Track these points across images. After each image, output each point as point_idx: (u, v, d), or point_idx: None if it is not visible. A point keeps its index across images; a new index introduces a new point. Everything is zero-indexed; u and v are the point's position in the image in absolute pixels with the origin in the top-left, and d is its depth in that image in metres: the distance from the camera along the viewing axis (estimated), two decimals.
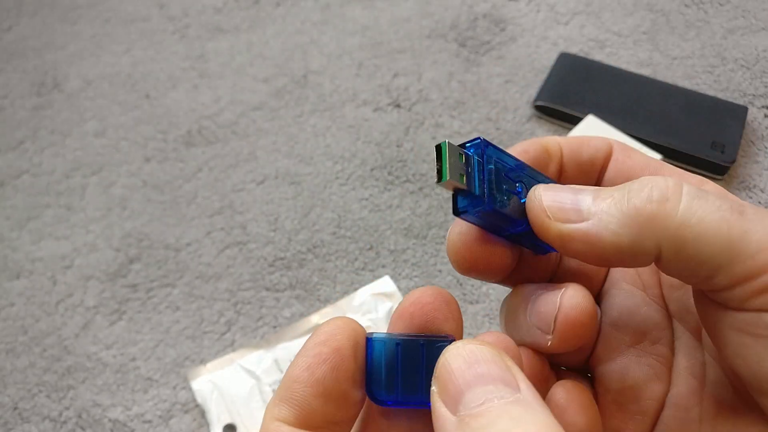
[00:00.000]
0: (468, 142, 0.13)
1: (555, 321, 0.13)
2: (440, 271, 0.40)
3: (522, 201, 0.14)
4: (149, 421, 0.35)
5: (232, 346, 0.38)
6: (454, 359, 0.11)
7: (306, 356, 0.12)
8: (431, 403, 0.11)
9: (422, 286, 0.41)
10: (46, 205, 0.45)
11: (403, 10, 0.54)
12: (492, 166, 0.13)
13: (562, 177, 0.16)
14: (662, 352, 0.15)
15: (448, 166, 0.12)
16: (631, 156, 0.15)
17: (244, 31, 0.54)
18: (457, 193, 0.13)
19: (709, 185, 0.14)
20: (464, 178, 0.13)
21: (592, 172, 0.16)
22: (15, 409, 0.37)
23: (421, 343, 0.12)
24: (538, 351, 0.14)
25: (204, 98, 0.50)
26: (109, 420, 0.36)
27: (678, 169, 0.15)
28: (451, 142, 0.13)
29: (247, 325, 0.39)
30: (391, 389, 0.12)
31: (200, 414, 0.35)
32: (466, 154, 0.13)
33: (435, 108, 0.48)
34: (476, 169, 0.13)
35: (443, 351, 0.11)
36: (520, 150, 0.15)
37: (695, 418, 0.14)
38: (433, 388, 0.11)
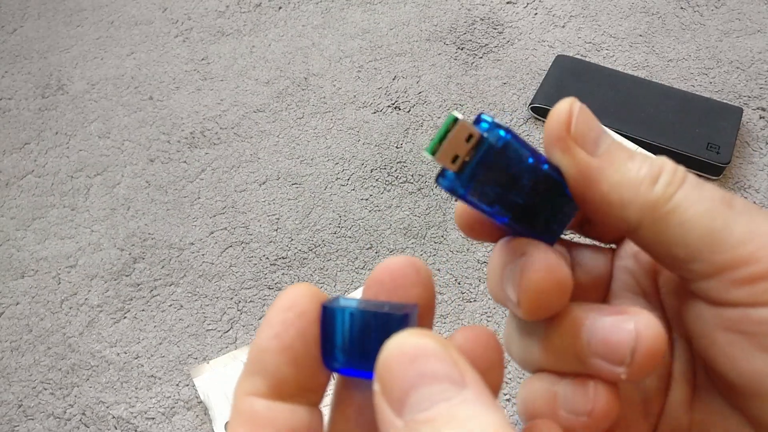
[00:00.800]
0: (487, 122, 0.12)
1: (633, 353, 0.12)
2: (439, 270, 0.40)
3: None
4: (152, 418, 0.36)
5: (234, 344, 0.38)
6: (395, 356, 0.10)
7: (272, 325, 0.11)
8: (375, 403, 0.10)
9: None
10: (51, 205, 0.45)
11: (402, 14, 0.55)
12: (499, 166, 0.12)
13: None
14: (664, 359, 0.14)
15: (446, 143, 0.12)
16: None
17: (246, 34, 0.55)
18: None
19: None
20: (456, 161, 0.12)
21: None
22: (20, 406, 0.37)
23: (372, 313, 0.11)
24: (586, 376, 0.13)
25: (207, 100, 0.50)
26: (113, 417, 0.36)
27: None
28: (464, 120, 0.11)
29: (249, 323, 0.39)
30: (341, 358, 0.11)
31: (203, 411, 0.36)
32: (479, 138, 0.12)
33: (434, 110, 0.48)
34: (478, 156, 0.12)
35: (384, 346, 0.10)
36: None
37: (685, 426, 0.14)
38: (376, 386, 0.10)
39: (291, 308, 0.11)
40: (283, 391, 0.11)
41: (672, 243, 0.12)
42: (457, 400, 0.09)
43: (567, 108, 0.13)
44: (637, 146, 0.43)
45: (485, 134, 0.12)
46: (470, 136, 0.12)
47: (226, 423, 0.35)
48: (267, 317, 0.11)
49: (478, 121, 0.12)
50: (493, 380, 0.12)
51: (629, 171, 0.12)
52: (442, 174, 0.13)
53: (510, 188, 0.12)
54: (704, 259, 0.12)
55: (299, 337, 0.11)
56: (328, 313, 0.11)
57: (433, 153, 0.12)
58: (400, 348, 0.10)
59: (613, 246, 0.16)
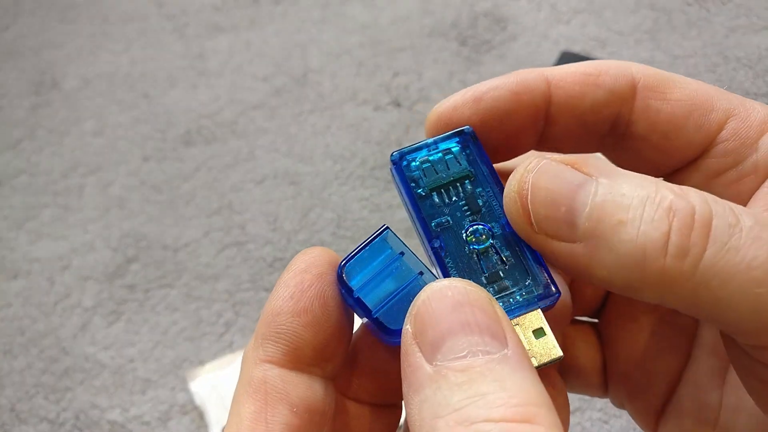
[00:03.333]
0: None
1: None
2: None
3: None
4: (147, 423, 0.35)
5: (230, 347, 0.38)
6: (437, 298, 0.09)
7: (288, 286, 0.10)
8: (402, 345, 0.09)
9: None
10: (44, 205, 0.45)
11: (403, 9, 0.54)
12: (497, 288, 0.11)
13: (548, 134, 0.12)
14: (683, 322, 0.13)
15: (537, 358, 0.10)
16: (667, 95, 0.11)
17: (243, 29, 0.54)
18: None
19: None
20: (542, 332, 0.10)
21: (598, 126, 0.11)
22: (12, 410, 0.36)
23: (420, 271, 0.11)
24: None
25: (203, 97, 0.50)
26: (107, 422, 0.35)
27: (736, 99, 0.11)
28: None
29: (246, 326, 0.38)
30: (362, 285, 0.10)
31: (199, 416, 0.35)
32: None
33: None
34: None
35: (425, 286, 0.09)
36: (471, 97, 0.12)
37: (714, 403, 0.12)
38: (407, 326, 0.09)
39: (308, 269, 0.10)
40: (300, 358, 0.10)
41: (707, 318, 0.09)
42: (497, 356, 0.09)
43: (518, 189, 0.10)
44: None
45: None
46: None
47: (224, 428, 0.34)
48: (282, 279, 0.10)
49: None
50: None
51: (624, 245, 0.09)
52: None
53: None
54: (749, 337, 0.09)
55: (318, 299, 0.10)
56: (384, 238, 0.11)
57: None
58: (445, 290, 0.09)
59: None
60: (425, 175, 0.11)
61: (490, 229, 0.11)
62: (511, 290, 0.11)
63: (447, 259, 0.11)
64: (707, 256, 0.09)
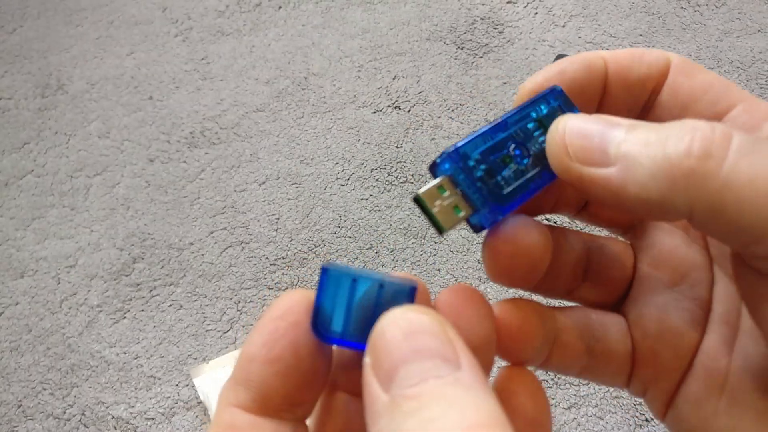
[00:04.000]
0: (439, 158, 0.12)
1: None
2: (439, 270, 0.40)
3: (524, 163, 0.12)
4: (152, 419, 0.36)
5: (234, 344, 0.38)
6: (390, 328, 0.10)
7: (261, 333, 0.10)
8: (363, 377, 0.10)
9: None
10: (51, 205, 0.45)
11: (402, 14, 0.55)
12: (480, 172, 0.12)
13: (604, 102, 0.13)
14: (701, 296, 0.13)
15: (438, 215, 0.11)
16: (692, 76, 0.13)
17: (245, 33, 0.55)
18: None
19: None
20: (460, 209, 0.12)
21: (642, 95, 0.13)
22: (19, 406, 0.37)
23: (380, 283, 0.11)
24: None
25: (206, 100, 0.50)
26: (113, 417, 0.36)
27: (748, 94, 0.12)
28: (422, 192, 0.11)
29: (249, 323, 0.39)
30: (338, 326, 0.11)
31: (203, 411, 0.36)
32: (448, 178, 0.12)
33: (434, 110, 0.48)
34: (465, 184, 0.12)
35: (380, 318, 0.10)
36: (556, 71, 0.13)
37: (722, 369, 0.13)
38: (366, 359, 0.10)
39: (283, 317, 0.11)
40: (269, 405, 0.10)
41: (730, 225, 0.10)
42: (449, 379, 0.09)
43: (555, 131, 0.12)
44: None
45: (440, 162, 0.12)
46: (440, 188, 0.12)
47: None
48: (258, 325, 0.11)
49: (434, 166, 0.12)
50: (485, 357, 0.12)
51: (653, 158, 0.10)
52: (471, 225, 0.12)
53: (510, 160, 0.12)
54: None
55: (290, 348, 0.10)
56: (330, 277, 0.11)
57: (445, 229, 0.12)
58: (396, 321, 0.10)
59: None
60: (550, 117, 0.13)
61: (527, 157, 0.13)
62: (483, 184, 0.12)
63: (493, 139, 0.12)
64: (730, 158, 0.10)
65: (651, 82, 0.13)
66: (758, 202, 0.09)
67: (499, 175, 0.12)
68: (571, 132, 0.11)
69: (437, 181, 0.12)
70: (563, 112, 0.13)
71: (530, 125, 0.13)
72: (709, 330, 0.13)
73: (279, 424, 0.10)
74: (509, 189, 0.12)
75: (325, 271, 0.11)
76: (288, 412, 0.11)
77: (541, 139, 0.13)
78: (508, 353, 0.13)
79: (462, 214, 0.12)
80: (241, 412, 0.10)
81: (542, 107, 0.13)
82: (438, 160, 0.12)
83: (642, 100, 0.13)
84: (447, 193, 0.12)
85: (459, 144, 0.12)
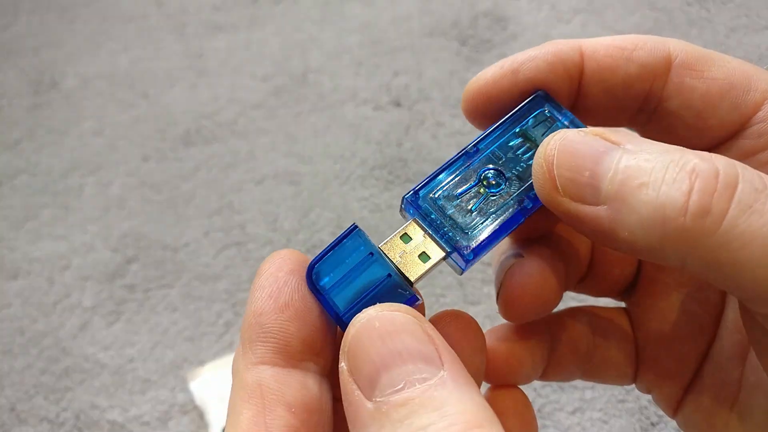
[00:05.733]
0: (402, 204, 0.12)
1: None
2: (440, 272, 0.40)
3: (500, 192, 0.11)
4: (147, 423, 0.35)
5: (230, 347, 0.38)
6: (366, 331, 0.09)
7: (263, 287, 0.10)
8: (341, 383, 0.09)
9: (423, 287, 0.40)
10: (44, 205, 0.45)
11: (403, 8, 0.54)
12: (446, 211, 0.11)
13: (578, 108, 0.12)
14: (711, 300, 0.13)
15: (402, 267, 0.11)
16: (705, 71, 0.11)
17: (242, 29, 0.54)
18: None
19: None
20: (428, 256, 0.11)
21: (630, 102, 0.11)
22: (12, 410, 0.36)
23: (389, 273, 0.11)
24: None
25: (202, 97, 0.50)
26: (107, 422, 0.35)
27: None
28: (382, 246, 0.11)
29: None
30: (329, 282, 0.11)
31: (199, 416, 0.35)
32: (415, 222, 0.11)
33: (436, 107, 0.47)
34: (431, 228, 0.11)
35: (352, 320, 0.09)
36: (509, 68, 0.12)
37: (734, 381, 0.12)
38: (342, 364, 0.09)
39: (279, 269, 0.11)
40: (291, 353, 0.10)
41: (725, 282, 0.09)
42: (434, 381, 0.09)
43: (543, 159, 0.10)
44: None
45: (408, 211, 0.12)
46: (404, 236, 0.11)
47: (224, 428, 0.34)
48: (256, 283, 0.10)
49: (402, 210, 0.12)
50: (474, 366, 0.11)
51: (646, 206, 0.09)
52: (456, 265, 0.12)
53: (479, 193, 0.12)
54: (766, 304, 0.09)
55: (296, 292, 0.10)
56: (355, 236, 0.11)
57: (411, 282, 0.11)
58: (371, 322, 0.09)
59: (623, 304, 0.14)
60: (535, 126, 0.12)
61: (501, 182, 0.12)
62: (449, 226, 0.11)
63: (463, 168, 0.12)
64: (729, 216, 0.09)
65: (642, 86, 0.11)
66: (753, 264, 0.09)
67: (470, 211, 0.11)
68: (561, 162, 0.10)
69: (401, 229, 0.11)
70: (553, 121, 0.12)
71: (512, 142, 0.12)
72: (719, 336, 0.13)
73: (305, 376, 0.10)
74: (483, 225, 0.11)
75: (354, 229, 0.11)
76: (310, 362, 0.10)
77: (526, 156, 0.12)
78: (496, 380, 0.13)
79: (430, 261, 0.11)
80: (266, 368, 0.10)
81: (527, 120, 0.12)
82: (402, 206, 0.12)
83: (630, 107, 0.12)
84: (414, 240, 0.11)
85: (418, 185, 0.11)
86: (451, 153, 0.12)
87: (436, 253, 0.11)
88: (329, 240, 0.42)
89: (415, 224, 0.11)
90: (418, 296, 0.11)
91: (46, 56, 0.53)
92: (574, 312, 0.14)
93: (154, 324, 0.39)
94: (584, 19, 0.52)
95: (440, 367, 0.09)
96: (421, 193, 0.11)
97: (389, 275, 0.11)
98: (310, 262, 0.11)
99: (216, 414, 0.34)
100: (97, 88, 0.51)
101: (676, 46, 0.11)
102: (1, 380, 0.37)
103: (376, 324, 0.09)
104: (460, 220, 0.11)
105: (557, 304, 0.13)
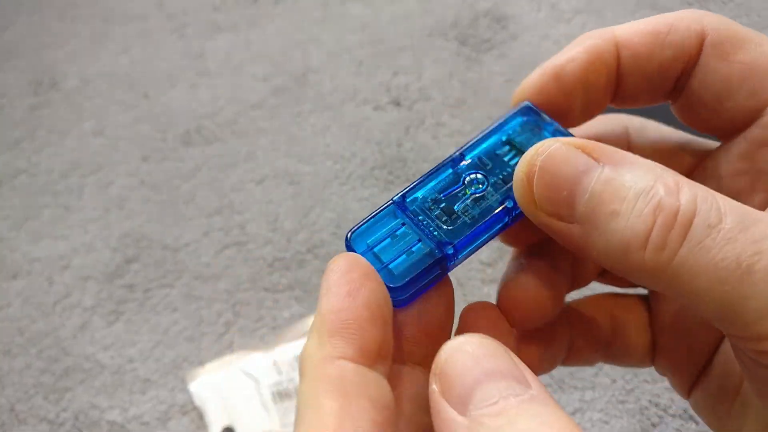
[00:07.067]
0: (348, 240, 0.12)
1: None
2: None
3: (477, 192, 0.12)
4: (147, 423, 0.35)
5: (230, 348, 0.37)
6: (458, 355, 0.10)
7: (340, 285, 0.10)
8: (431, 405, 0.10)
9: None
10: (44, 205, 0.45)
11: (403, 8, 0.54)
12: (429, 214, 0.12)
13: (617, 95, 0.12)
14: None
15: (392, 288, 0.11)
16: (729, 57, 0.11)
17: (243, 29, 0.54)
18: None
19: None
20: (412, 263, 0.12)
21: (665, 83, 0.12)
22: (12, 410, 0.36)
23: (419, 238, 0.12)
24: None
25: (203, 97, 0.50)
26: (107, 422, 0.35)
27: None
28: (366, 264, 0.11)
29: (246, 326, 0.38)
30: (368, 246, 0.12)
31: (198, 416, 0.35)
32: (390, 236, 0.12)
33: (436, 107, 0.47)
34: (417, 228, 0.12)
35: (443, 346, 0.10)
36: (551, 73, 0.12)
37: (738, 373, 0.13)
38: (433, 386, 0.10)
39: (352, 269, 0.11)
40: (368, 353, 0.10)
41: (687, 306, 0.11)
42: (526, 396, 0.09)
43: (524, 173, 0.11)
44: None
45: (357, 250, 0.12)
46: (375, 258, 0.12)
47: (223, 428, 0.34)
48: (332, 280, 0.11)
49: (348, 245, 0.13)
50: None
51: (613, 234, 0.10)
52: (437, 276, 0.13)
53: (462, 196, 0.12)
54: (722, 327, 0.10)
55: (372, 293, 0.11)
56: (387, 209, 0.12)
57: (405, 298, 0.12)
58: (464, 345, 0.10)
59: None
60: (521, 134, 0.13)
61: (485, 184, 0.12)
62: (434, 226, 0.12)
63: (447, 169, 0.13)
64: (681, 252, 0.10)
65: (676, 68, 0.12)
66: (702, 294, 0.10)
67: (455, 212, 0.12)
68: (540, 179, 0.11)
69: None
70: (540, 129, 0.12)
71: (499, 150, 0.12)
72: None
73: (378, 377, 0.10)
74: (466, 225, 0.12)
75: (390, 203, 0.12)
76: (381, 364, 0.10)
77: (513, 162, 0.12)
78: (519, 321, 0.13)
79: (417, 270, 0.12)
80: (346, 362, 0.10)
81: (513, 129, 0.13)
82: (346, 243, 0.13)
83: (665, 88, 0.12)
84: (391, 261, 0.12)
85: (406, 189, 0.12)
86: (451, 153, 0.13)
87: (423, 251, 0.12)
88: (329, 240, 0.42)
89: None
90: (445, 260, 0.12)
91: (47, 56, 0.53)
92: (593, 300, 0.15)
93: (154, 324, 0.39)
94: (584, 19, 0.52)
95: (528, 387, 0.09)
96: (408, 197, 0.12)
97: (419, 240, 0.12)
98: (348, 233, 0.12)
99: (215, 414, 0.34)
100: (97, 89, 0.51)
101: (711, 22, 0.11)
102: (1, 380, 0.37)
103: (468, 348, 0.10)
104: (444, 220, 0.12)
105: (557, 311, 0.13)
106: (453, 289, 0.12)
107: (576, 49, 0.12)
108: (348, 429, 0.09)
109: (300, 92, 0.49)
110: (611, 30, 0.12)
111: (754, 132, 0.11)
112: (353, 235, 0.12)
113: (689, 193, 0.10)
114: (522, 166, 0.11)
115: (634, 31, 0.12)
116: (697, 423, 0.32)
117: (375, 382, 0.10)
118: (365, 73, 0.50)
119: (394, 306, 0.11)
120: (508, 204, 0.12)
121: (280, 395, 0.35)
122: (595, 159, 0.10)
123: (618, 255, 0.10)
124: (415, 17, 0.53)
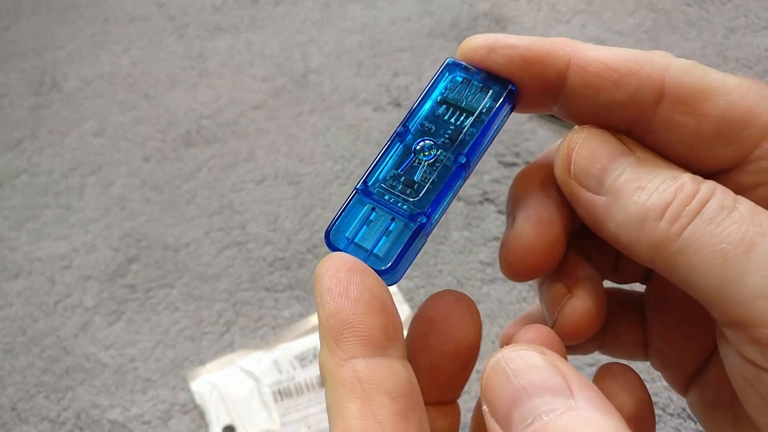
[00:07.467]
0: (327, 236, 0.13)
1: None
2: (440, 271, 0.40)
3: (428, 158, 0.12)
4: (148, 422, 0.35)
5: (231, 347, 0.38)
6: (495, 373, 0.10)
7: (330, 289, 0.11)
8: (486, 423, 0.10)
9: (423, 287, 0.40)
10: (45, 205, 0.45)
11: (403, 9, 0.54)
12: (392, 191, 0.12)
13: (562, 107, 0.12)
14: None
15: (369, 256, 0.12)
16: (699, 107, 0.11)
17: (243, 30, 0.54)
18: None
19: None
20: (394, 242, 0.12)
21: (615, 122, 0.12)
22: (14, 410, 0.36)
23: (390, 218, 0.12)
24: None
25: (203, 98, 0.50)
26: (108, 421, 0.35)
27: None
28: (340, 252, 0.12)
29: (246, 325, 0.38)
30: (348, 240, 0.12)
31: (199, 415, 0.35)
32: (364, 221, 0.12)
33: None
34: (386, 207, 0.12)
35: (486, 362, 0.10)
36: (485, 47, 0.12)
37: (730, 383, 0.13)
38: (484, 407, 0.10)
39: (338, 269, 0.11)
40: (374, 342, 0.10)
41: (685, 286, 0.11)
42: (561, 410, 0.09)
43: (566, 145, 0.12)
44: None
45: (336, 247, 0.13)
46: (360, 249, 0.13)
47: (224, 427, 0.34)
48: (323, 287, 0.11)
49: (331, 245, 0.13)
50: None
51: (634, 205, 0.11)
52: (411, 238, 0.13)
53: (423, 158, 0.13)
54: (717, 309, 0.10)
55: (363, 286, 0.11)
56: (354, 199, 0.12)
57: (396, 278, 0.12)
58: (500, 363, 0.10)
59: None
60: (453, 90, 0.13)
61: (435, 148, 0.13)
62: (402, 200, 0.13)
63: (396, 144, 0.13)
64: (692, 225, 0.10)
65: (627, 113, 0.12)
66: (703, 267, 0.10)
67: (415, 182, 0.12)
68: (580, 152, 0.12)
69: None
70: (468, 82, 0.13)
71: (437, 111, 0.13)
72: (723, 339, 0.13)
73: (391, 361, 0.10)
74: (429, 191, 0.12)
75: (355, 193, 0.13)
76: (390, 347, 0.11)
77: (452, 119, 0.13)
78: (519, 271, 0.13)
79: (399, 249, 0.12)
80: (357, 360, 0.10)
81: (444, 87, 0.13)
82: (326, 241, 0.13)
83: (615, 125, 0.12)
84: (373, 247, 0.12)
85: (364, 175, 0.13)
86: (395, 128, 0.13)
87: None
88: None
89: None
90: (422, 219, 0.12)
91: (48, 57, 0.53)
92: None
93: (154, 323, 0.39)
94: (583, 19, 0.52)
95: (569, 396, 0.09)
96: (369, 181, 0.13)
97: (393, 219, 0.12)
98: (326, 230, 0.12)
99: (216, 413, 0.35)
100: (98, 89, 0.51)
101: (673, 76, 0.11)
102: (3, 380, 0.37)
103: (503, 364, 0.10)
104: (409, 192, 0.12)
105: (560, 258, 0.13)
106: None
107: (524, 41, 0.12)
108: (372, 428, 0.09)
109: (300, 93, 0.49)
110: (574, 47, 0.12)
111: (741, 177, 0.11)
112: (331, 233, 0.12)
113: (711, 183, 0.11)
114: (566, 139, 0.12)
115: (592, 58, 0.11)
116: (695, 422, 0.32)
117: (389, 371, 0.10)
118: (365, 74, 0.50)
119: (389, 284, 0.12)
120: (461, 160, 0.12)
121: (281, 394, 0.35)
122: (630, 149, 0.11)
123: (634, 225, 0.11)
124: (414, 18, 0.53)
